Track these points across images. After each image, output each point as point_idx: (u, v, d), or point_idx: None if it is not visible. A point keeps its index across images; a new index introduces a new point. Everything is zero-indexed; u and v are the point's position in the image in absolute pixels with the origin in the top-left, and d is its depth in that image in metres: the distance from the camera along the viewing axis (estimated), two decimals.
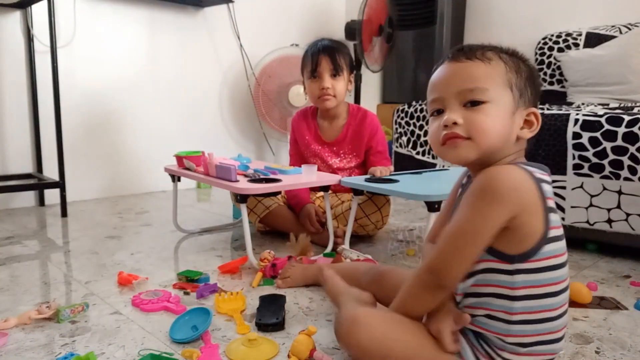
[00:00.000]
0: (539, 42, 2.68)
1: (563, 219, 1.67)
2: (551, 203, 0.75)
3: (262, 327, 1.05)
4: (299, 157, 1.95)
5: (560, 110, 1.83)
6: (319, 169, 1.85)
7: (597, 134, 1.56)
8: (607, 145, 1.55)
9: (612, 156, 1.54)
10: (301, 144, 1.93)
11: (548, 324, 0.75)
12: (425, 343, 0.79)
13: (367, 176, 1.60)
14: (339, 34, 3.16)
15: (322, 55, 1.77)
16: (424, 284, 0.79)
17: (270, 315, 1.07)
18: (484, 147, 0.77)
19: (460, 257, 0.74)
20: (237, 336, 1.03)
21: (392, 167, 1.76)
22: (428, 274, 0.78)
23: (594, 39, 2.47)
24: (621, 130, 1.52)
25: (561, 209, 1.67)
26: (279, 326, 1.05)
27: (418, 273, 0.81)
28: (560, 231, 0.76)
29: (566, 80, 2.53)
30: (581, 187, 1.62)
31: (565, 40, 2.57)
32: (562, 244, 0.77)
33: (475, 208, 0.72)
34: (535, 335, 0.75)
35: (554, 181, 1.67)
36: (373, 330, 0.79)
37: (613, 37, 2.41)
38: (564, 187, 1.65)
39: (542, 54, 2.64)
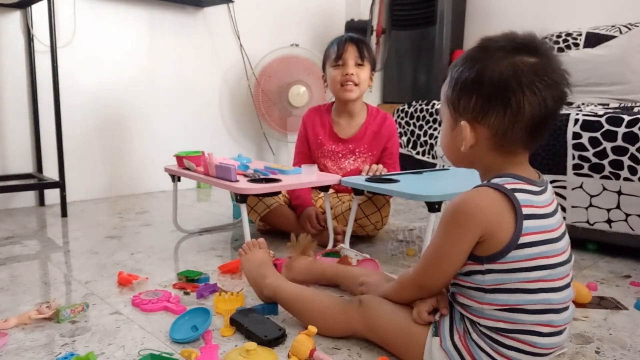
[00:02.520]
0: None
1: (564, 218, 1.66)
2: (529, 210, 0.77)
3: (272, 342, 0.98)
4: (306, 156, 1.89)
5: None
6: (329, 172, 1.83)
7: (597, 134, 1.56)
8: (607, 145, 1.55)
9: (612, 156, 1.54)
10: (313, 143, 1.87)
11: (522, 315, 0.78)
12: (406, 311, 0.91)
13: (367, 176, 1.60)
14: (339, 34, 3.16)
15: (348, 43, 1.75)
16: (410, 290, 0.91)
17: (271, 329, 1.01)
18: (448, 159, 0.89)
19: (440, 273, 0.84)
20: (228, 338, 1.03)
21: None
22: (416, 286, 0.89)
23: (594, 39, 2.47)
24: (621, 130, 1.52)
25: (562, 208, 1.67)
26: (285, 336, 1.02)
27: (406, 281, 0.92)
28: (539, 237, 0.77)
29: None
30: (581, 187, 1.62)
31: (565, 40, 2.57)
32: (542, 248, 0.77)
33: (446, 233, 0.81)
34: (512, 323, 0.78)
35: (553, 181, 1.67)
36: (377, 304, 0.96)
37: (613, 37, 2.41)
38: (564, 187, 1.65)
39: None
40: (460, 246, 0.79)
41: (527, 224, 0.76)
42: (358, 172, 1.81)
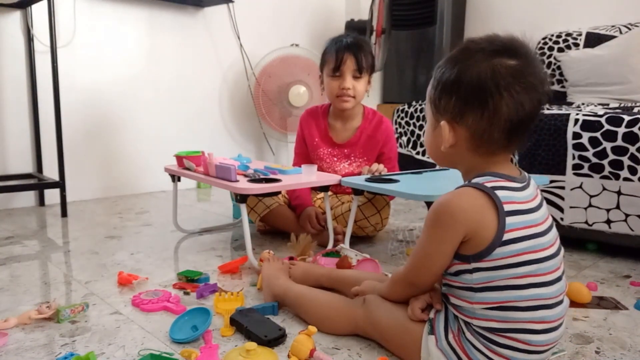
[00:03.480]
0: (539, 42, 2.68)
1: (562, 219, 1.67)
2: (511, 207, 0.78)
3: (272, 342, 0.99)
4: (304, 157, 1.91)
5: (560, 110, 1.83)
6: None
7: (597, 134, 1.56)
8: (607, 145, 1.55)
9: (612, 156, 1.54)
10: (309, 145, 1.89)
11: (514, 312, 0.78)
12: (404, 309, 0.92)
13: (367, 176, 1.60)
14: (339, 34, 3.16)
15: (347, 53, 1.71)
16: (402, 287, 0.93)
17: (271, 329, 1.02)
18: (431, 158, 0.91)
19: (427, 271, 0.86)
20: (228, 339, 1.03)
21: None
22: (406, 284, 0.91)
23: (594, 39, 2.47)
24: (621, 130, 1.52)
25: (560, 209, 1.67)
26: (285, 336, 1.02)
27: (398, 279, 0.93)
28: (523, 232, 0.78)
29: (566, 80, 2.53)
30: (580, 187, 1.62)
31: (565, 40, 2.57)
32: (527, 244, 0.78)
33: (429, 234, 0.82)
34: (504, 321, 0.78)
35: (553, 181, 1.67)
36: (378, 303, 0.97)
37: (613, 37, 2.41)
38: (562, 187, 1.65)
39: (542, 54, 2.64)
40: (444, 246, 0.80)
41: (510, 220, 0.77)
42: (353, 175, 1.81)
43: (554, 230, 0.84)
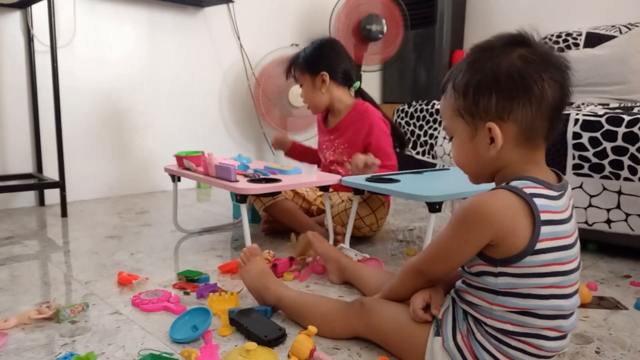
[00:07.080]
0: None
1: None
2: (546, 216, 0.75)
3: (272, 342, 0.99)
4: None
5: None
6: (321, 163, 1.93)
7: (597, 134, 1.56)
8: (607, 145, 1.54)
9: (612, 156, 1.54)
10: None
11: (533, 319, 0.78)
12: (407, 312, 0.91)
13: (368, 175, 1.60)
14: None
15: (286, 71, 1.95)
16: (412, 276, 0.92)
17: (271, 329, 1.02)
18: (466, 173, 0.88)
19: (442, 266, 0.86)
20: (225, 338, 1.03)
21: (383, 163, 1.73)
22: (416, 272, 0.91)
23: (594, 39, 2.47)
24: (621, 130, 1.52)
25: None
26: (285, 336, 1.02)
27: (409, 267, 0.93)
28: (554, 243, 0.76)
29: None
30: (581, 187, 1.62)
31: (565, 40, 2.58)
32: (556, 255, 0.76)
33: (456, 232, 0.80)
34: (521, 326, 0.78)
35: None
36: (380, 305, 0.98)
37: (613, 37, 2.41)
38: None
39: None
40: (466, 247, 0.79)
41: (544, 229, 0.75)
42: (337, 163, 1.89)
43: (578, 243, 0.82)
